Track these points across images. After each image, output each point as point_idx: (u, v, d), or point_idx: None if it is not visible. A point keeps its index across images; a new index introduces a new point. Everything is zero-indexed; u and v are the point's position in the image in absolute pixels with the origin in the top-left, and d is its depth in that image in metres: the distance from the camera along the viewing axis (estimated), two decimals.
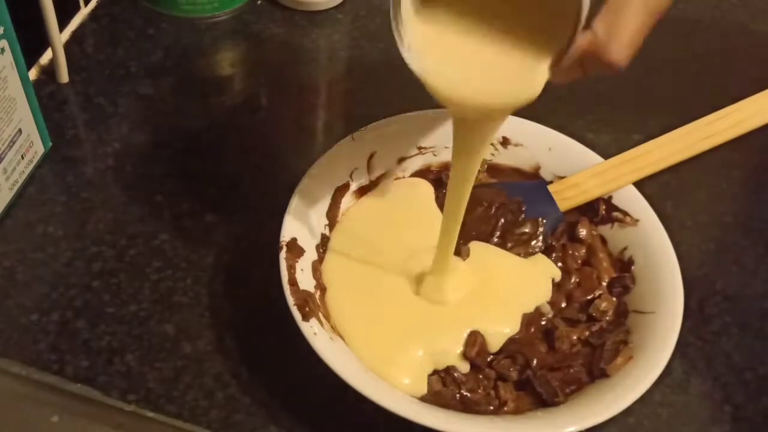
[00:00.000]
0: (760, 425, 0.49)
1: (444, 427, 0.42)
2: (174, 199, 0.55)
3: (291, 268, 0.47)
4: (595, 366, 0.46)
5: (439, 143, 0.55)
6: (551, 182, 0.54)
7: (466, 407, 0.45)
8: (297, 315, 0.45)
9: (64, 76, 0.61)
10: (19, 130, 0.52)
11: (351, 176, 0.53)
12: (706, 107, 0.64)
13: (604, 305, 0.49)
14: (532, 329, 0.48)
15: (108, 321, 0.49)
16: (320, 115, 0.63)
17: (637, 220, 0.51)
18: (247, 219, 0.55)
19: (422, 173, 0.56)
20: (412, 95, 0.64)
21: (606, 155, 0.55)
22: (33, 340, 0.48)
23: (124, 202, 0.55)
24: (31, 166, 0.55)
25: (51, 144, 0.56)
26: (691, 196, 0.60)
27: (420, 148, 0.55)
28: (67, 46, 0.62)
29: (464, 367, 0.47)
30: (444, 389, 0.46)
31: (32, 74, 0.60)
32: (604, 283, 0.51)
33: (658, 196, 0.58)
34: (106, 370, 0.47)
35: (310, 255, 0.49)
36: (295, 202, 0.50)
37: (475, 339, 0.47)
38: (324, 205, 0.52)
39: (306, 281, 0.48)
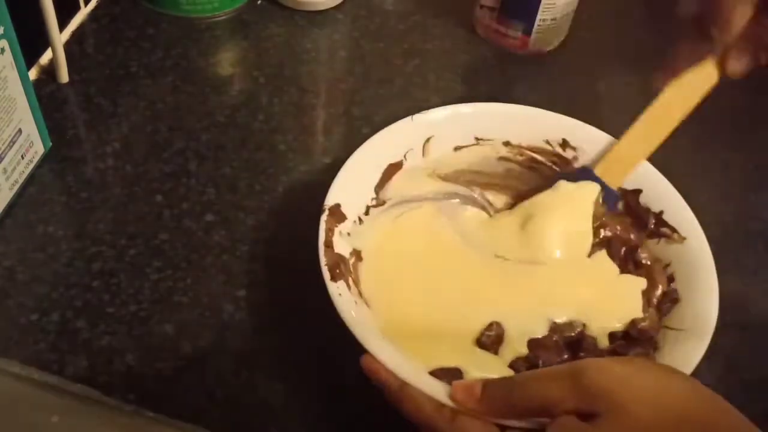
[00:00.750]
0: (760, 425, 0.49)
1: (402, 373, 0.42)
2: (174, 199, 0.55)
3: (329, 231, 0.48)
4: None
5: (498, 137, 0.55)
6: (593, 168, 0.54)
7: None
8: (326, 274, 0.45)
9: (64, 76, 0.61)
10: (19, 130, 0.52)
11: (405, 156, 0.54)
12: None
13: (645, 324, 0.49)
14: (555, 337, 0.48)
15: (108, 321, 0.49)
16: (320, 115, 0.63)
17: (684, 238, 0.50)
18: (246, 219, 0.55)
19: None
20: (412, 95, 0.64)
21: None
22: (33, 340, 0.48)
23: (124, 202, 0.55)
24: (31, 166, 0.55)
25: (51, 144, 0.56)
26: (691, 196, 0.60)
27: (478, 138, 0.55)
28: (67, 46, 0.62)
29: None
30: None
31: (32, 74, 0.60)
32: (655, 299, 0.50)
33: None
34: (106, 370, 0.47)
35: (352, 222, 0.50)
36: (345, 170, 0.50)
37: (491, 327, 0.48)
38: (374, 178, 0.53)
39: (342, 246, 0.48)
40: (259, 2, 0.69)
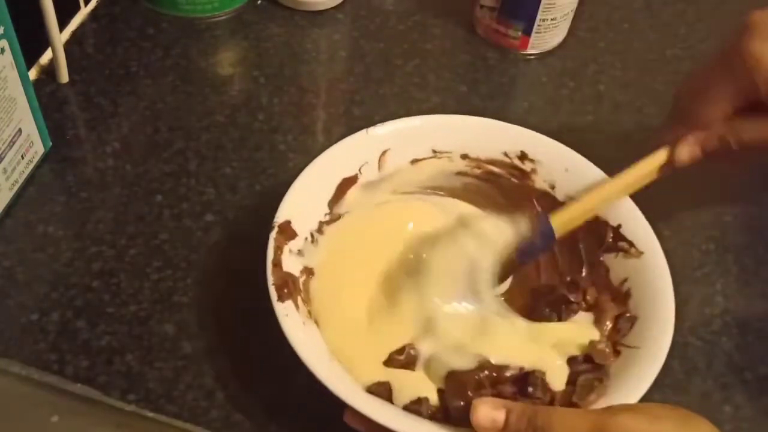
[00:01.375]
0: (760, 425, 0.49)
1: (396, 426, 0.41)
2: (174, 199, 0.55)
3: (278, 249, 0.47)
4: (566, 400, 0.45)
5: (456, 149, 0.54)
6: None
7: None
8: (273, 294, 0.45)
9: (64, 76, 0.61)
10: (19, 130, 0.52)
11: (360, 170, 0.53)
12: None
13: (603, 346, 0.47)
14: (481, 374, 0.46)
15: (108, 321, 0.49)
16: (320, 115, 0.63)
17: (641, 252, 0.49)
18: (247, 219, 0.55)
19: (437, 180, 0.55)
20: (412, 95, 0.64)
21: (605, 160, 0.55)
22: (33, 340, 0.48)
23: (124, 202, 0.55)
24: (31, 166, 0.55)
25: (51, 144, 0.56)
26: (692, 196, 0.60)
27: (435, 151, 0.54)
28: (67, 46, 0.62)
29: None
30: None
31: (32, 74, 0.60)
32: (608, 323, 0.49)
33: (659, 197, 0.58)
34: (106, 370, 0.47)
35: (303, 240, 0.49)
36: (297, 186, 0.50)
37: (402, 350, 0.47)
38: (327, 193, 0.52)
39: (292, 264, 0.47)
40: (259, 2, 0.69)
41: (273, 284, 0.45)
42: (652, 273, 0.48)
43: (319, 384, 0.42)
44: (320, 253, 0.50)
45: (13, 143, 0.52)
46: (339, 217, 0.52)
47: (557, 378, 0.46)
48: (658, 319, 0.46)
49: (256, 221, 0.55)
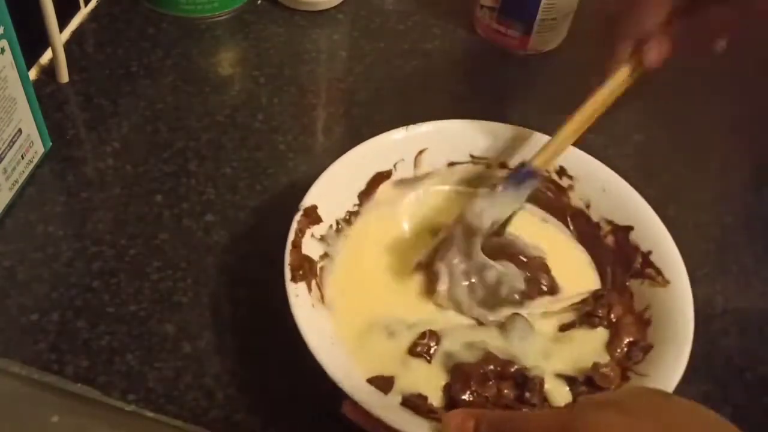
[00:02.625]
0: (760, 425, 0.49)
1: (390, 419, 0.41)
2: (174, 199, 0.55)
3: (300, 232, 0.47)
4: None
5: (494, 157, 0.54)
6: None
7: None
8: (287, 274, 0.45)
9: (64, 76, 0.61)
10: (19, 130, 0.52)
11: (395, 166, 0.53)
12: (704, 107, 0.64)
13: (608, 370, 0.46)
14: (486, 368, 0.46)
15: (108, 321, 0.49)
16: (320, 115, 0.63)
17: (668, 282, 0.48)
18: (247, 219, 0.55)
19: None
20: (412, 96, 0.64)
21: (605, 160, 0.55)
22: (33, 340, 0.48)
23: (124, 202, 0.55)
24: (31, 166, 0.55)
25: (51, 144, 0.56)
26: (692, 196, 0.60)
27: (473, 156, 0.54)
28: (67, 46, 0.62)
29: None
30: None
31: (32, 74, 0.60)
32: (618, 351, 0.48)
33: (658, 197, 0.58)
34: (106, 370, 0.47)
35: (327, 227, 0.50)
36: (328, 173, 0.50)
37: (424, 335, 0.47)
38: (359, 185, 0.52)
39: (313, 249, 0.48)
40: (259, 2, 0.69)
41: (288, 264, 0.45)
42: (675, 303, 0.47)
43: (320, 372, 0.42)
44: (343, 242, 0.51)
45: (13, 143, 0.52)
46: (366, 209, 0.52)
47: (556, 391, 0.46)
48: (673, 350, 0.45)
49: (256, 221, 0.55)
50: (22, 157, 0.53)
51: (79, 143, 0.58)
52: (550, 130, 0.54)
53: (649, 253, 0.50)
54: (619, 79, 0.50)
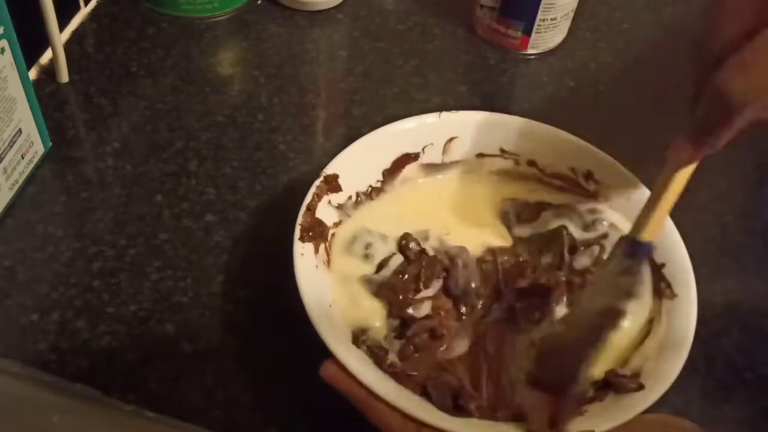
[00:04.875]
0: (760, 425, 0.49)
1: (377, 388, 0.41)
2: (174, 199, 0.55)
3: (317, 197, 0.49)
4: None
5: (524, 154, 0.54)
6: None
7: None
8: (297, 233, 0.47)
9: (64, 76, 0.61)
10: (19, 130, 0.52)
11: (424, 149, 0.54)
12: None
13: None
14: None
15: (108, 321, 0.49)
16: (320, 115, 0.63)
17: (675, 295, 0.48)
18: (247, 219, 0.55)
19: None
20: (412, 96, 0.64)
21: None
22: (33, 340, 0.48)
23: (124, 202, 0.55)
24: (31, 166, 0.55)
25: (51, 144, 0.56)
26: (692, 196, 0.60)
27: (503, 150, 0.55)
28: (67, 46, 0.62)
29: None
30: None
31: (32, 74, 0.60)
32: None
33: None
34: (106, 370, 0.47)
35: (347, 197, 0.51)
36: (356, 146, 0.51)
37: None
38: (385, 162, 0.53)
39: (327, 215, 0.49)
40: (259, 2, 0.69)
41: (300, 224, 0.47)
42: (679, 318, 0.47)
43: (311, 334, 0.42)
44: (361, 214, 0.52)
45: (13, 143, 0.52)
46: (389, 187, 0.53)
47: None
48: (668, 366, 0.45)
49: (256, 221, 0.55)
50: (22, 157, 0.53)
51: (79, 143, 0.58)
52: None
53: (663, 265, 0.49)
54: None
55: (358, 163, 0.51)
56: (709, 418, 0.49)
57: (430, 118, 0.54)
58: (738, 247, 0.58)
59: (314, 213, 0.48)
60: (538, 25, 0.66)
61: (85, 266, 0.51)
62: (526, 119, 0.55)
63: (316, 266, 0.47)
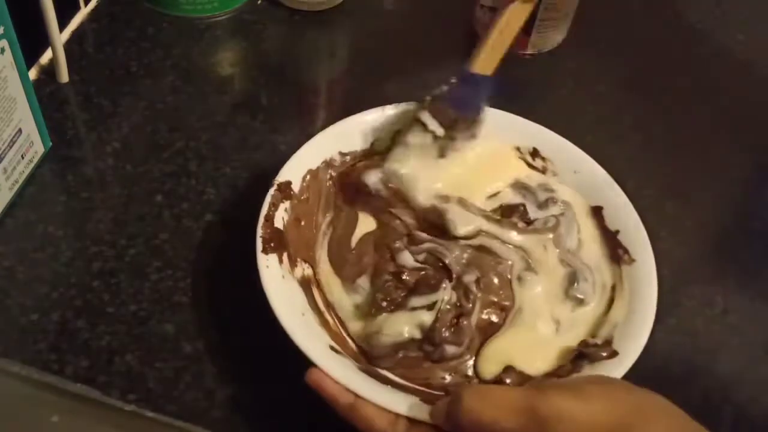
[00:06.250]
0: (760, 425, 0.49)
1: (352, 385, 0.42)
2: (174, 199, 0.55)
3: (273, 206, 0.49)
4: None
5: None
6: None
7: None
8: (258, 245, 0.47)
9: (64, 76, 0.61)
10: (19, 130, 0.52)
11: (372, 144, 0.54)
12: (705, 107, 0.64)
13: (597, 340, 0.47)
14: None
15: (108, 321, 0.49)
16: (320, 115, 0.63)
17: (633, 260, 0.49)
18: (246, 219, 0.55)
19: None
20: (412, 95, 0.64)
21: (605, 160, 0.55)
22: (33, 340, 0.48)
23: (124, 202, 0.55)
24: (31, 166, 0.55)
25: (51, 144, 0.56)
26: (692, 196, 0.60)
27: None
28: (67, 46, 0.62)
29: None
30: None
31: (32, 74, 0.60)
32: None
33: (658, 197, 0.58)
34: (106, 370, 0.47)
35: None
36: (303, 151, 0.51)
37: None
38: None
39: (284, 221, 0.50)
40: (259, 2, 0.69)
41: (260, 236, 0.47)
42: (639, 282, 0.48)
43: (287, 342, 0.43)
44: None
45: (13, 143, 0.52)
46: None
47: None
48: (635, 328, 0.46)
49: (256, 221, 0.55)
50: (22, 157, 0.53)
51: (79, 143, 0.58)
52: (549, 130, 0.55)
53: (617, 232, 0.51)
54: None
55: (307, 166, 0.51)
56: (709, 418, 0.49)
57: (371, 114, 0.54)
58: (738, 247, 0.58)
59: (273, 223, 0.48)
60: (538, 25, 0.66)
61: (85, 266, 0.51)
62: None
63: (283, 276, 0.47)
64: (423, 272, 0.49)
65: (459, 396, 0.38)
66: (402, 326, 0.46)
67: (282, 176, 0.50)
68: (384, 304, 0.47)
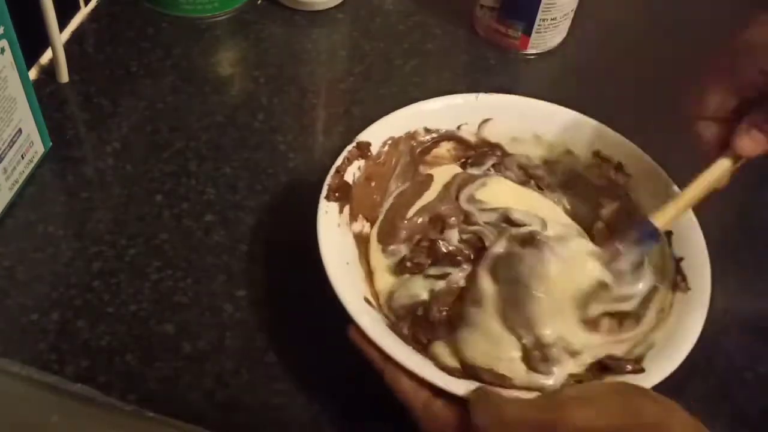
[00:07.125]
0: (760, 425, 0.49)
1: (389, 349, 0.42)
2: (174, 199, 0.55)
3: (347, 161, 0.50)
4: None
5: (557, 141, 0.55)
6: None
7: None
8: (324, 191, 0.48)
9: (64, 76, 0.61)
10: (19, 130, 0.52)
11: (459, 127, 0.55)
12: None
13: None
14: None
15: (108, 321, 0.49)
16: (320, 115, 0.63)
17: (689, 289, 0.48)
18: (247, 219, 0.55)
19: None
20: (412, 95, 0.64)
21: None
22: (33, 340, 0.48)
23: (124, 202, 0.55)
24: (31, 166, 0.55)
25: (51, 144, 0.56)
26: None
27: (536, 136, 0.55)
28: (67, 46, 0.62)
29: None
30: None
31: (32, 74, 0.60)
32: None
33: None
34: (106, 370, 0.47)
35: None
36: (392, 117, 0.52)
37: None
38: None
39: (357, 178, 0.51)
40: (259, 2, 0.69)
41: (328, 183, 0.48)
42: (689, 311, 0.47)
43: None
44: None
45: (13, 143, 0.52)
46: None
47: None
48: (669, 354, 0.45)
49: (256, 221, 0.55)
50: (22, 157, 0.53)
51: (79, 143, 0.58)
52: None
53: (681, 259, 0.50)
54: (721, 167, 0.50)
55: (392, 132, 0.52)
56: (709, 418, 0.49)
57: (465, 98, 0.55)
58: (738, 247, 0.58)
59: (343, 175, 0.49)
60: (538, 25, 0.66)
61: (85, 266, 0.51)
62: (556, 105, 0.55)
63: (338, 225, 0.48)
64: (454, 248, 0.50)
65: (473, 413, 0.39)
66: (420, 290, 0.48)
67: (363, 136, 0.51)
68: (409, 264, 0.49)
